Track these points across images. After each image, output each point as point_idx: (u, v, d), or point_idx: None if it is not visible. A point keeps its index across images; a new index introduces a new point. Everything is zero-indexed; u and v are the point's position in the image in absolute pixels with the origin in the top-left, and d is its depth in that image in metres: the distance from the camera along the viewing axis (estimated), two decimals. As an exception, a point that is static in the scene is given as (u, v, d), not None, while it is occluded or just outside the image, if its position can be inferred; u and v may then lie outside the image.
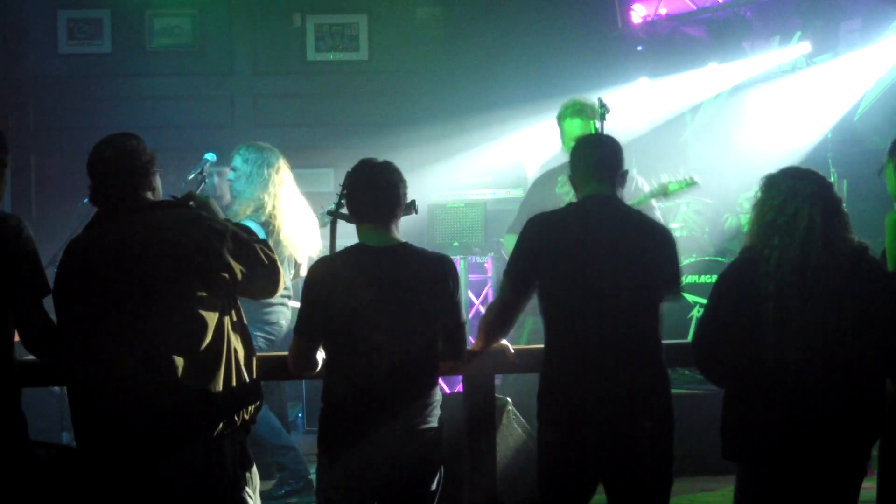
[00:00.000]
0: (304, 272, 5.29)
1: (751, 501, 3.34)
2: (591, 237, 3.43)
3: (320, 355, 3.52)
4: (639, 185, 5.38)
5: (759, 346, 3.22)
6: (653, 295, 3.45)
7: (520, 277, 3.53)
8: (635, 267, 3.40)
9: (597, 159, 3.55)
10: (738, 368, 3.30)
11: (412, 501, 3.45)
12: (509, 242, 5.37)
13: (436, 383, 3.50)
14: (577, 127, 5.18)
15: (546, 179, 5.48)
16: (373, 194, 3.46)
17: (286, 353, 3.56)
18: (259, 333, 5.20)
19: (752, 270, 3.27)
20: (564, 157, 5.40)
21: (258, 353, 3.47)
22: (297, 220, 5.40)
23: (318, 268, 3.49)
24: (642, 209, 4.91)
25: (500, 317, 3.61)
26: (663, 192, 5.29)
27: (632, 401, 3.37)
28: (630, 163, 6.14)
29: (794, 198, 3.29)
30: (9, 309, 3.27)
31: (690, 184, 5.31)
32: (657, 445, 3.42)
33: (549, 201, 5.20)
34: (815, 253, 3.22)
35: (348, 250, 3.49)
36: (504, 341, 3.75)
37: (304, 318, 3.44)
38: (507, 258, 6.44)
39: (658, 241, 3.50)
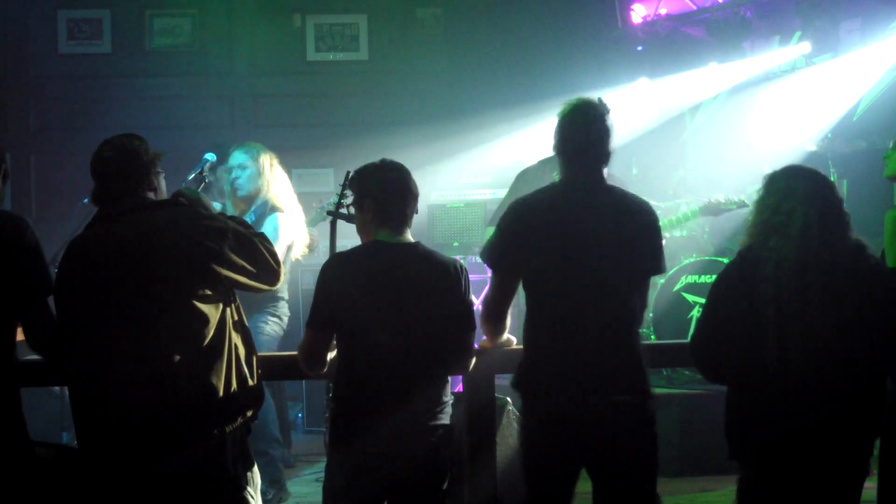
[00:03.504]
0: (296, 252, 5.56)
1: (752, 501, 3.34)
2: (577, 220, 3.39)
3: (329, 355, 3.54)
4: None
5: (759, 347, 3.22)
6: (639, 275, 3.45)
7: (508, 271, 3.49)
8: (623, 248, 3.39)
9: (584, 140, 3.47)
10: (739, 369, 3.30)
11: (421, 499, 3.47)
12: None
13: (447, 381, 3.53)
14: None
15: (540, 173, 5.37)
16: (402, 199, 3.51)
17: (288, 353, 3.57)
18: (274, 320, 5.48)
19: (750, 271, 3.27)
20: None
21: (264, 353, 3.48)
22: (296, 209, 5.63)
23: (333, 263, 3.53)
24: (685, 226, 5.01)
25: (497, 309, 3.59)
26: (714, 212, 5.34)
27: (615, 380, 3.35)
28: (630, 163, 6.18)
29: (790, 197, 3.28)
30: (12, 309, 3.28)
31: (741, 204, 5.35)
32: (639, 426, 3.38)
33: None
34: (813, 253, 3.22)
35: (364, 246, 3.55)
36: (508, 335, 3.77)
37: (317, 311, 3.47)
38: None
39: (643, 220, 3.48)
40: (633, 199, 3.54)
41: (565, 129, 3.50)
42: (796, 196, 3.28)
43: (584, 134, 3.46)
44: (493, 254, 3.53)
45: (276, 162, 5.60)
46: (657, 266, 3.50)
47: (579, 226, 3.39)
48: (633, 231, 3.43)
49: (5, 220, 3.27)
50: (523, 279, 3.49)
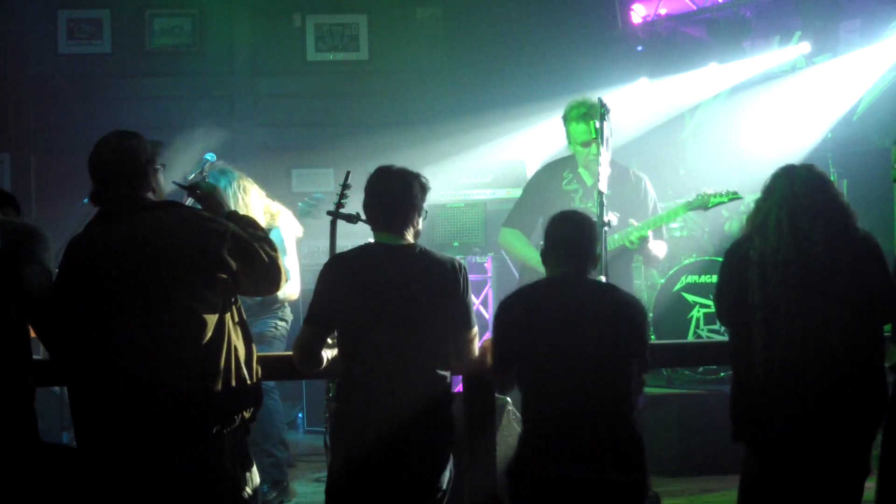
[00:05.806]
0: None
1: (755, 486, 3.37)
2: (565, 318, 3.45)
3: (325, 354, 3.56)
4: (646, 187, 5.35)
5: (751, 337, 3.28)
6: (627, 367, 3.45)
7: (504, 363, 3.58)
8: (609, 343, 3.42)
9: (569, 241, 3.57)
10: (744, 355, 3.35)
11: (422, 499, 3.48)
12: (505, 236, 5.36)
13: (447, 381, 3.53)
14: (583, 132, 5.17)
15: (549, 175, 5.42)
16: (387, 203, 3.55)
17: (287, 353, 3.58)
18: (282, 324, 5.44)
19: (743, 266, 3.34)
20: (566, 153, 5.41)
21: (265, 353, 3.48)
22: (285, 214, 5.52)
23: (333, 263, 3.57)
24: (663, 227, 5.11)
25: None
26: (703, 205, 5.31)
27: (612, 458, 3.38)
28: (630, 163, 6.17)
29: (768, 197, 3.35)
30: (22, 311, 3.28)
31: (734, 197, 5.33)
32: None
33: (556, 197, 5.18)
34: (796, 252, 3.25)
35: (363, 247, 3.60)
36: None
37: (315, 308, 3.50)
38: (505, 254, 6.48)
39: (630, 314, 3.51)
40: (621, 296, 3.58)
41: (553, 233, 3.61)
42: (772, 196, 3.34)
43: (570, 237, 3.57)
44: (495, 351, 3.61)
45: (244, 184, 5.33)
46: (643, 360, 3.52)
47: (570, 327, 3.44)
48: (624, 328, 3.47)
49: (22, 230, 3.32)
50: (518, 378, 3.58)
